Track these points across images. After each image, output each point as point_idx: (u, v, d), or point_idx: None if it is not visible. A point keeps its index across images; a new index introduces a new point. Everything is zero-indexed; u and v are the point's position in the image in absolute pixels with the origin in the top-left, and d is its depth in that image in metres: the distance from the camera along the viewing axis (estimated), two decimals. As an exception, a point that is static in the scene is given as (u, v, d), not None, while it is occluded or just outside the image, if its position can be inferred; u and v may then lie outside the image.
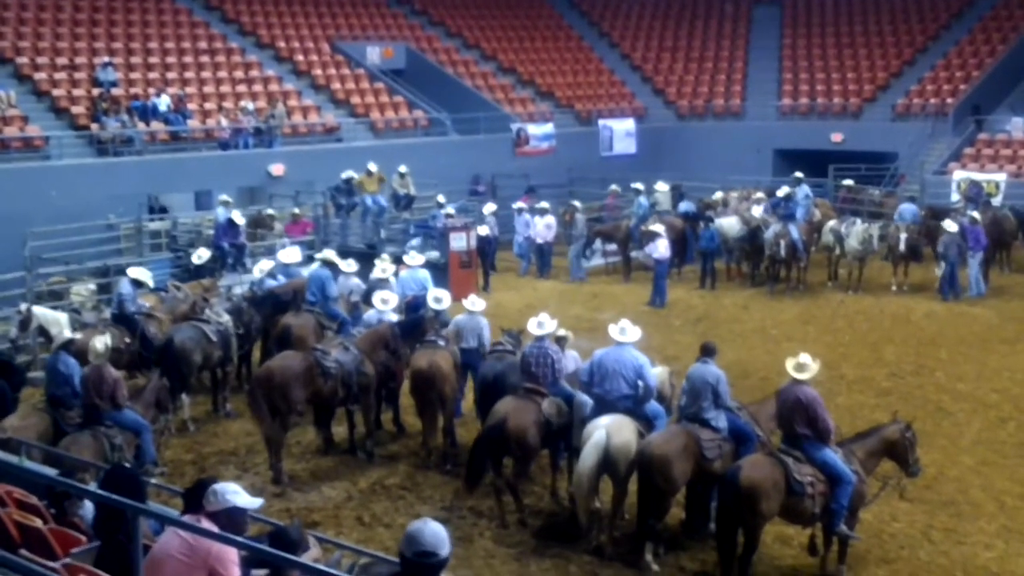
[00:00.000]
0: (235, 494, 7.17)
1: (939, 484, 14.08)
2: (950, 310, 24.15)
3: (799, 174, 31.41)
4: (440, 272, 23.41)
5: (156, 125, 30.61)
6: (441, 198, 28.22)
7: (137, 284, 18.14)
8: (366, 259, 21.64)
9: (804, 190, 30.81)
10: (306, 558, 7.53)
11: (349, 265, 19.85)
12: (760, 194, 30.88)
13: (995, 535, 12.60)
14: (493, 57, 43.96)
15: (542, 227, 28.18)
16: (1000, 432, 16.28)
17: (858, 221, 27.79)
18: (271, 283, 20.00)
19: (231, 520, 7.11)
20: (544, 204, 29.26)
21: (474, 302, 16.70)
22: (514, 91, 42.00)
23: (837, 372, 18.90)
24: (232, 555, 6.98)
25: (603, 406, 12.73)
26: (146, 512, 7.39)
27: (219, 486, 7.23)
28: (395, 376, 15.99)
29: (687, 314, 24.13)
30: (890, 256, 26.82)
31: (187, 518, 7.21)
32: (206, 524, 6.98)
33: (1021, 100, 40.19)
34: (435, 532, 5.75)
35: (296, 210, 27.82)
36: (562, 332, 14.61)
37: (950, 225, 25.37)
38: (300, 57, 37.79)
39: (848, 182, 33.73)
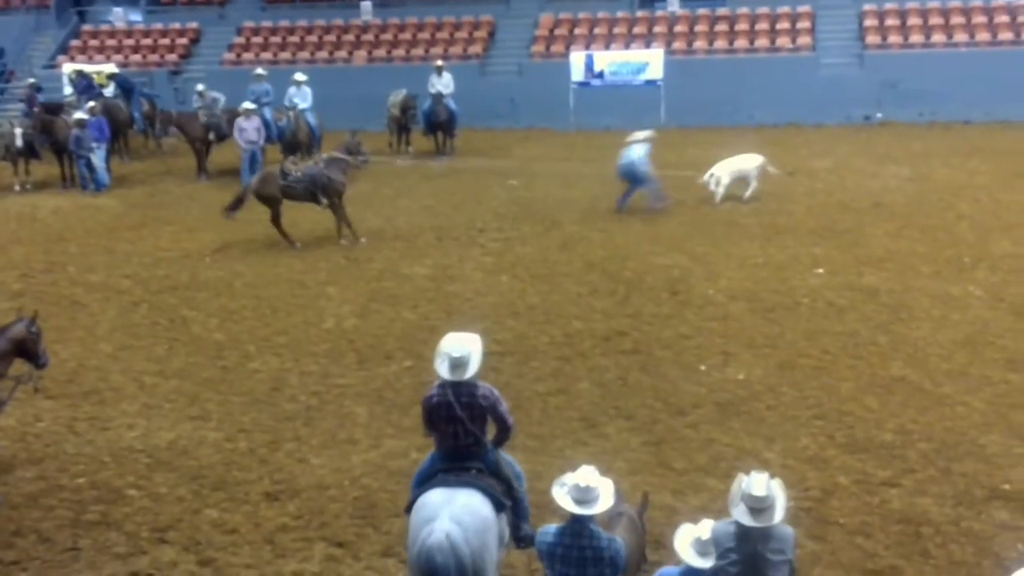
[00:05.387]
0: None
1: (80, 376, 14.13)
2: (76, 203, 24.14)
3: None
4: None
5: None
6: None
7: None
8: None
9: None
10: None
11: None
12: None
13: (137, 415, 12.95)
14: None
15: None
16: (134, 316, 16.69)
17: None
18: None
19: None
20: None
21: None
22: None
23: (-36, 282, 18.06)
24: None
25: None
26: None
27: None
28: None
29: None
30: (8, 155, 26.08)
31: None
32: None
33: (121, -9, 40.77)
34: None
35: None
36: None
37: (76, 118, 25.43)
38: None
39: None
